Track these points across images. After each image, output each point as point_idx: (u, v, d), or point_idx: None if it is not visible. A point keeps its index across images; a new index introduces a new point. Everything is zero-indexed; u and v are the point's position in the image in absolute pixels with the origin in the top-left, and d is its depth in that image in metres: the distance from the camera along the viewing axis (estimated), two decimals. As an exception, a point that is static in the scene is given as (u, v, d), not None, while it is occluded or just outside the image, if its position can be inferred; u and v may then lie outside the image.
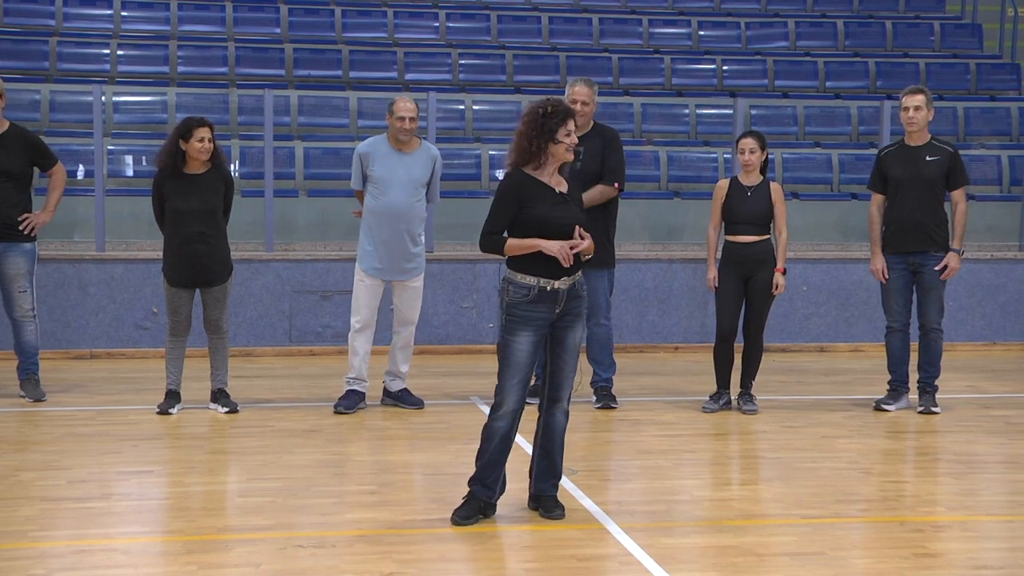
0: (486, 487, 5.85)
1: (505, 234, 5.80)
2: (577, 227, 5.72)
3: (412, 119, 8.27)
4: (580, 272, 5.86)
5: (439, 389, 9.24)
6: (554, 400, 5.90)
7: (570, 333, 5.83)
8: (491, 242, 5.78)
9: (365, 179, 8.35)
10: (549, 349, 5.88)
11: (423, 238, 8.49)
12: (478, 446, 5.89)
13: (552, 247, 5.65)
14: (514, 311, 5.72)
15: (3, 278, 8.51)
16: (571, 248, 5.66)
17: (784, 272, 8.46)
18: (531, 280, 5.71)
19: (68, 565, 5.20)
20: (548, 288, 5.71)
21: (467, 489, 5.92)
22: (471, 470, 5.97)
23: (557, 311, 5.76)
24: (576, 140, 5.82)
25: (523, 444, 6.73)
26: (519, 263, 5.74)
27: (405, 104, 8.29)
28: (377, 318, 8.51)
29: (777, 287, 8.43)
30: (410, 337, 8.55)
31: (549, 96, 5.94)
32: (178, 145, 8.04)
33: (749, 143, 8.44)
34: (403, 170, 8.28)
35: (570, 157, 5.83)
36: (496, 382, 5.80)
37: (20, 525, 5.74)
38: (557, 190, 5.82)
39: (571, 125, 5.75)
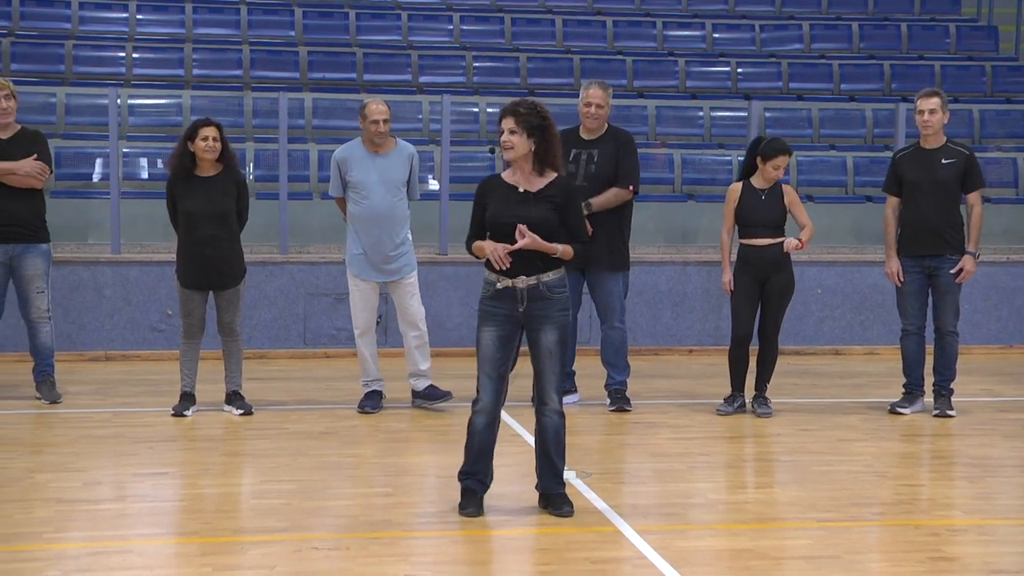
0: (479, 481, 6.00)
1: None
2: (518, 226, 5.79)
3: (385, 121, 8.27)
4: (551, 273, 5.91)
5: (453, 391, 9.22)
6: (542, 402, 6.01)
7: (540, 335, 5.93)
8: (468, 246, 6.08)
9: (346, 185, 8.36)
10: (530, 354, 6.02)
11: (409, 235, 8.47)
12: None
13: (486, 248, 5.86)
14: (480, 305, 6.00)
15: (20, 279, 8.54)
16: (505, 251, 5.79)
17: (804, 246, 8.36)
18: (492, 277, 5.94)
19: (83, 567, 5.21)
20: (502, 285, 5.87)
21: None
22: (485, 472, 6.03)
23: (521, 310, 5.89)
24: (506, 138, 5.85)
25: (530, 440, 6.72)
26: (487, 261, 5.95)
27: (377, 107, 8.28)
28: (381, 318, 8.52)
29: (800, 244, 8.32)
30: (422, 335, 8.52)
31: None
32: (186, 147, 8.08)
33: (766, 146, 8.43)
34: (379, 172, 8.29)
35: (505, 154, 5.91)
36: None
37: (35, 527, 5.75)
38: (521, 189, 5.90)
39: (505, 123, 5.86)
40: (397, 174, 8.34)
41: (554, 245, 5.86)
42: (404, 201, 8.41)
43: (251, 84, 13.48)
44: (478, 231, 6.01)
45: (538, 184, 5.93)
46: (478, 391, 5.96)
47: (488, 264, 5.93)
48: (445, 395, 8.54)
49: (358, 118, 8.38)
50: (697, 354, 11.40)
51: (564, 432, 6.04)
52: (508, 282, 5.87)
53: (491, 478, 6.09)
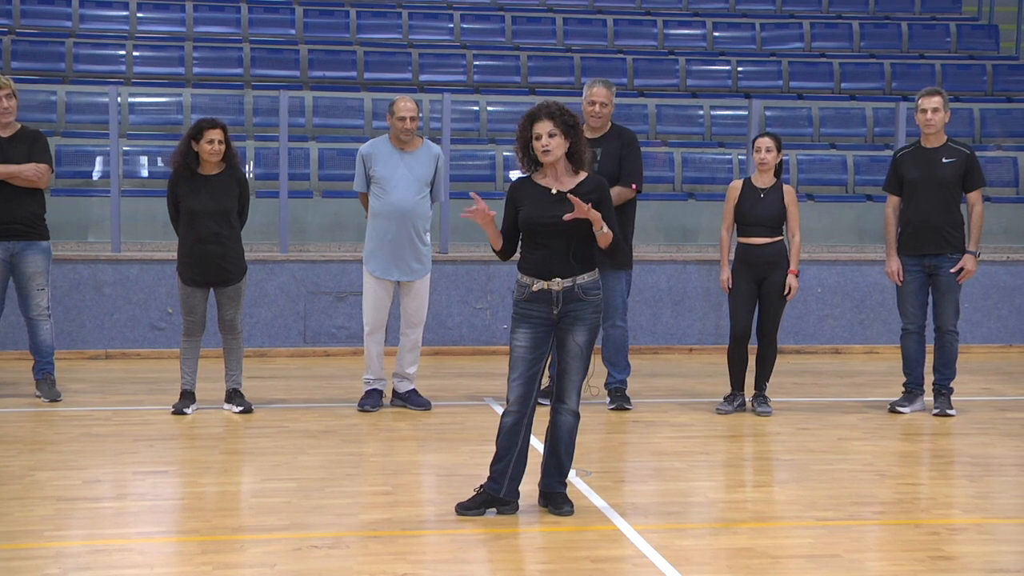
0: (492, 480, 5.96)
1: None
2: (568, 196, 5.75)
3: (413, 118, 8.29)
4: (586, 275, 5.90)
5: (453, 390, 9.24)
6: (559, 400, 6.01)
7: (569, 335, 5.91)
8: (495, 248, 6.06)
9: (369, 181, 8.37)
10: (556, 351, 6.00)
11: (429, 236, 8.49)
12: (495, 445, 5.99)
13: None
14: (515, 308, 5.96)
15: (21, 277, 8.55)
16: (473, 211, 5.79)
17: (797, 275, 8.44)
18: (527, 280, 5.89)
19: (83, 565, 5.21)
20: (537, 288, 5.85)
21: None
22: (485, 470, 6.01)
23: (555, 311, 5.86)
24: (546, 141, 5.81)
25: (537, 445, 6.73)
26: (520, 264, 5.95)
27: (405, 104, 8.30)
28: (389, 320, 8.52)
29: (789, 290, 8.41)
30: (418, 339, 8.54)
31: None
32: (190, 146, 8.09)
33: (766, 142, 8.43)
34: (406, 169, 8.30)
35: (544, 157, 5.85)
36: None
37: (35, 525, 5.75)
38: (554, 190, 5.90)
39: (542, 127, 5.80)
40: (422, 172, 8.34)
41: (600, 218, 5.75)
42: (427, 201, 8.41)
43: (251, 82, 13.48)
44: (507, 232, 5.99)
45: (570, 184, 5.91)
46: (507, 392, 5.94)
47: (521, 267, 5.92)
48: (424, 404, 8.53)
49: (379, 116, 8.36)
50: (697, 353, 11.40)
51: (576, 433, 6.04)
52: (543, 284, 5.85)
53: (513, 490, 5.95)
